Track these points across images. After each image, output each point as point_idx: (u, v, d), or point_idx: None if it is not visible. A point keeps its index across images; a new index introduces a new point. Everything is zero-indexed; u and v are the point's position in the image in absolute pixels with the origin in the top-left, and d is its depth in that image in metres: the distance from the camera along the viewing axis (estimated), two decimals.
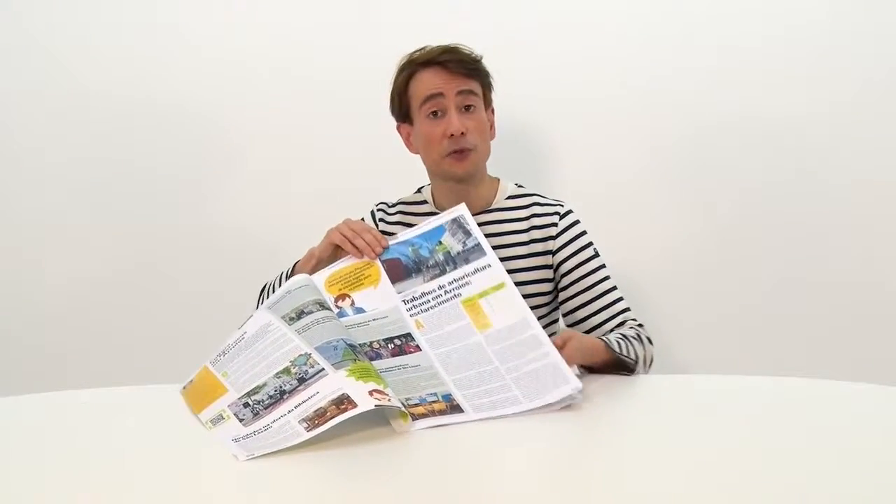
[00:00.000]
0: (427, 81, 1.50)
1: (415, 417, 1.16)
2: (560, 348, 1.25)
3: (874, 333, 1.94)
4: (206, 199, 2.07)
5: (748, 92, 1.93)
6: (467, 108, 1.50)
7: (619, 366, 1.39)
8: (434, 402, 1.20)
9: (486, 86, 1.55)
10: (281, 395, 1.17)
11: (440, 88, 1.49)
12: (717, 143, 1.96)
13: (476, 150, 1.51)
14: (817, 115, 1.92)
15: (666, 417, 1.18)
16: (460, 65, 1.50)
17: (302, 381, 1.17)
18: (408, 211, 1.64)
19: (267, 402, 1.17)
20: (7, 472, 1.03)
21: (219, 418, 1.19)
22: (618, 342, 1.40)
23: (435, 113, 1.50)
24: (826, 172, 1.94)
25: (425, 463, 1.07)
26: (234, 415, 1.18)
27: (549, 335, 1.28)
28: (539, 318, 1.43)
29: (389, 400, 1.13)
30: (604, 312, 1.51)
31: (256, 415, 1.16)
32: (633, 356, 1.40)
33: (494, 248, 1.37)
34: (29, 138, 2.08)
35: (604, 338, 1.41)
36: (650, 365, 1.47)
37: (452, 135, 1.48)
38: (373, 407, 1.10)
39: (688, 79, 1.94)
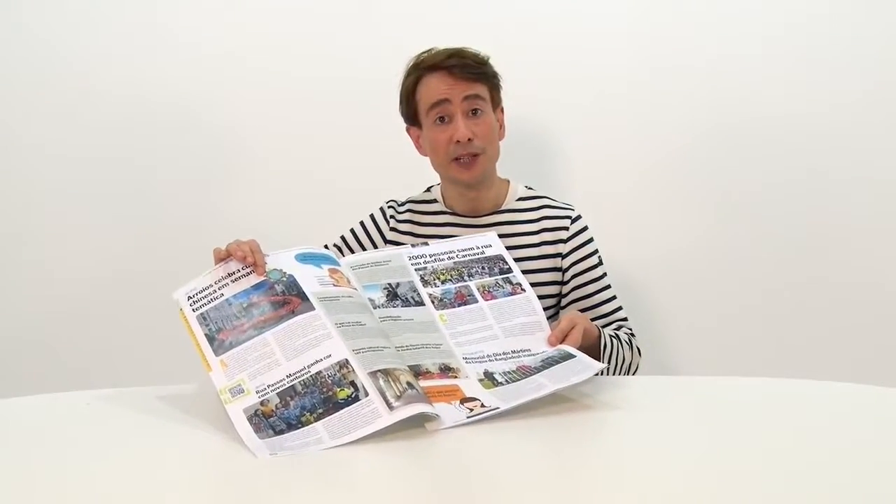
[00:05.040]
0: (433, 87, 1.51)
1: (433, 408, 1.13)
2: (566, 333, 1.29)
3: (874, 334, 1.95)
4: (209, 199, 2.07)
5: (752, 93, 1.94)
6: (474, 112, 1.50)
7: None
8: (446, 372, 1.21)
9: (494, 87, 1.55)
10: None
11: (446, 94, 1.50)
12: (721, 144, 1.96)
13: (485, 154, 1.52)
14: (821, 116, 1.93)
15: (666, 417, 1.18)
16: (466, 69, 1.50)
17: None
18: (417, 210, 1.64)
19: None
20: (7, 472, 1.03)
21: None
22: (610, 339, 1.43)
23: (442, 118, 1.51)
24: (826, 173, 1.94)
25: (423, 463, 1.07)
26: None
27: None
28: (547, 319, 1.44)
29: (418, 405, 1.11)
30: (602, 320, 1.54)
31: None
32: (616, 360, 1.44)
33: (505, 248, 1.39)
34: (30, 138, 2.08)
35: (603, 332, 1.43)
36: (634, 373, 1.51)
37: (459, 141, 1.49)
38: (395, 421, 1.08)
39: (691, 80, 1.95)
